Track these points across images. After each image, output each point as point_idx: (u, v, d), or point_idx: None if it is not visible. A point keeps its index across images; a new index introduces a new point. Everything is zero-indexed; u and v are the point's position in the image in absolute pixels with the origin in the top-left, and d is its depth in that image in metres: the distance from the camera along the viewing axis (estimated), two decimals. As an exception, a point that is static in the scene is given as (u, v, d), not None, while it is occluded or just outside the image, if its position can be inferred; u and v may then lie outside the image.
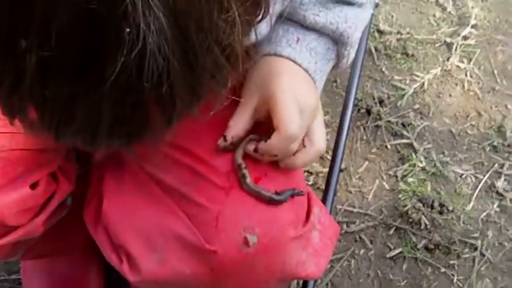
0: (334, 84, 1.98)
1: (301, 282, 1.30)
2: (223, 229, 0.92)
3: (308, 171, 1.75)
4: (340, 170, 1.36)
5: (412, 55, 2.08)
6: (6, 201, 0.94)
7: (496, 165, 1.86)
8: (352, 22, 0.98)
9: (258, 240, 0.92)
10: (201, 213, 0.93)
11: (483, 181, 1.83)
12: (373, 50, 2.07)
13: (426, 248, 1.69)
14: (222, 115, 0.94)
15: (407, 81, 2.02)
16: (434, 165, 1.84)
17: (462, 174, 1.84)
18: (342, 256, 1.67)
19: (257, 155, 0.95)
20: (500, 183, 1.83)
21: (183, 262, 0.94)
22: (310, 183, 1.74)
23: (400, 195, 1.77)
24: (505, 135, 1.92)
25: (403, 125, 1.90)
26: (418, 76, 2.03)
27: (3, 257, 1.14)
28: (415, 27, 2.16)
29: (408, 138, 1.88)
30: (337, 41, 0.99)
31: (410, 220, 1.72)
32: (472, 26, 2.17)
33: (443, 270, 1.67)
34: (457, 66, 2.07)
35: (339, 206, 1.74)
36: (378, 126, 1.90)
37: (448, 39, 2.13)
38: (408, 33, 2.13)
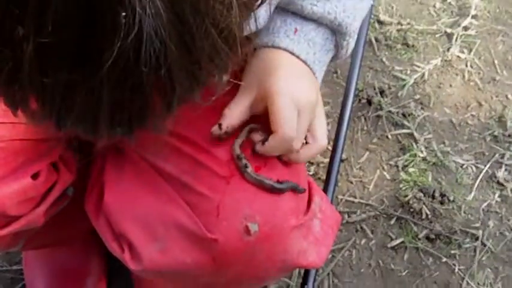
0: (335, 74, 1.98)
1: (302, 272, 1.30)
2: (224, 218, 0.92)
3: (309, 162, 1.75)
4: (341, 160, 1.37)
5: (413, 45, 2.08)
6: (7, 192, 0.94)
7: (497, 155, 1.86)
8: (351, 12, 0.97)
9: (259, 228, 0.92)
10: (202, 202, 0.93)
11: (484, 171, 1.83)
12: (374, 41, 2.07)
13: (427, 237, 1.69)
14: (224, 103, 0.94)
15: (408, 72, 2.02)
16: (435, 155, 1.84)
17: (463, 164, 1.84)
18: (343, 246, 1.67)
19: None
20: (501, 173, 1.83)
21: (184, 251, 0.94)
22: (311, 173, 1.74)
23: (401, 185, 1.77)
24: (505, 125, 1.92)
25: (404, 115, 1.90)
26: (418, 66, 2.03)
27: (5, 247, 1.14)
28: (415, 17, 2.16)
29: (409, 128, 1.88)
30: (335, 31, 0.99)
31: (412, 210, 1.72)
32: (473, 17, 2.17)
33: (444, 260, 1.67)
34: (458, 56, 2.07)
35: (340, 196, 1.74)
36: (378, 117, 1.90)
37: (449, 30, 2.13)
38: (408, 23, 2.13)
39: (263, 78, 0.93)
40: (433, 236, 1.69)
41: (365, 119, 1.90)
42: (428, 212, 1.72)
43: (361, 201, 1.75)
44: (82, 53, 0.55)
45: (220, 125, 0.94)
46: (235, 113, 0.94)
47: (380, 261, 1.66)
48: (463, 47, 2.09)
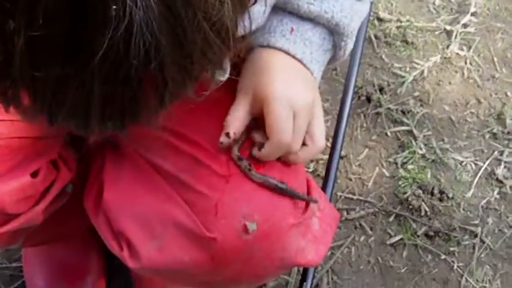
0: (334, 71, 1.98)
1: (301, 269, 1.30)
2: (222, 216, 0.93)
3: (308, 159, 1.75)
4: (340, 157, 1.37)
5: (412, 43, 2.07)
6: (6, 190, 0.94)
7: (496, 152, 1.87)
8: (348, 12, 0.97)
9: (257, 227, 0.92)
10: (200, 201, 0.94)
11: (483, 168, 1.83)
12: (373, 38, 2.07)
13: (426, 234, 1.70)
14: (221, 101, 0.94)
15: (407, 69, 2.02)
16: (434, 152, 1.84)
17: (462, 162, 1.84)
18: (342, 243, 1.67)
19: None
20: (500, 171, 1.83)
21: (183, 249, 0.94)
22: (310, 170, 1.74)
23: (400, 182, 1.77)
24: (504, 123, 1.92)
25: (403, 112, 1.90)
26: (417, 64, 2.03)
27: (4, 244, 1.14)
28: (414, 14, 2.16)
29: (408, 125, 1.88)
30: (333, 31, 0.98)
31: (411, 207, 1.72)
32: (472, 14, 2.16)
33: (443, 257, 1.67)
34: (457, 53, 2.07)
35: (339, 193, 1.74)
36: (378, 114, 1.90)
37: (448, 27, 2.12)
38: (408, 20, 2.13)
39: (258, 79, 0.93)
40: (432, 233, 1.69)
41: (364, 116, 1.89)
42: (427, 209, 1.72)
43: (360, 198, 1.75)
44: (73, 46, 0.55)
45: (227, 133, 0.93)
46: (237, 119, 0.94)
47: (379, 258, 1.66)
48: (462, 44, 2.09)
